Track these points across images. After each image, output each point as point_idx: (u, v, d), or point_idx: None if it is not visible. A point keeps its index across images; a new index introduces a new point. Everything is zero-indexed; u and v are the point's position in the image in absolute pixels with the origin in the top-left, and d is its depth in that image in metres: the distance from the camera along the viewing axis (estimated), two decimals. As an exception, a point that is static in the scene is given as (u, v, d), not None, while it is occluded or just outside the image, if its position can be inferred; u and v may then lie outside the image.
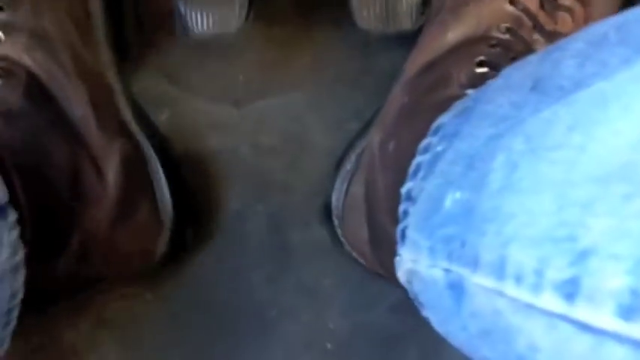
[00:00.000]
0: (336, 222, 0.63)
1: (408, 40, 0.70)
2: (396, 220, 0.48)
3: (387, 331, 0.70)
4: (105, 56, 0.62)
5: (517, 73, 0.41)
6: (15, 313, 0.51)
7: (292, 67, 0.73)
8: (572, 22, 0.53)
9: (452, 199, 0.38)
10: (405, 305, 0.55)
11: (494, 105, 0.40)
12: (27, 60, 0.56)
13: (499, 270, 0.32)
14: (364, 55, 0.73)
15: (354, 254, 0.64)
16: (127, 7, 0.71)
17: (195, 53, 0.72)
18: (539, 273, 0.30)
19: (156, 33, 0.72)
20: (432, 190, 0.42)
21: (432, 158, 0.44)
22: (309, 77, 0.73)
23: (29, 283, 0.51)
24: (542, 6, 0.53)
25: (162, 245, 0.64)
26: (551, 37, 0.53)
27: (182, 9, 0.61)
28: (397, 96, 0.58)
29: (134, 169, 0.61)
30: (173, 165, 0.66)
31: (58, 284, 0.59)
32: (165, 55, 0.73)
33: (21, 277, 0.50)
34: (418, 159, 0.46)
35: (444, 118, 0.46)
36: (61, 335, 0.69)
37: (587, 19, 0.54)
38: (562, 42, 0.38)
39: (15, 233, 0.48)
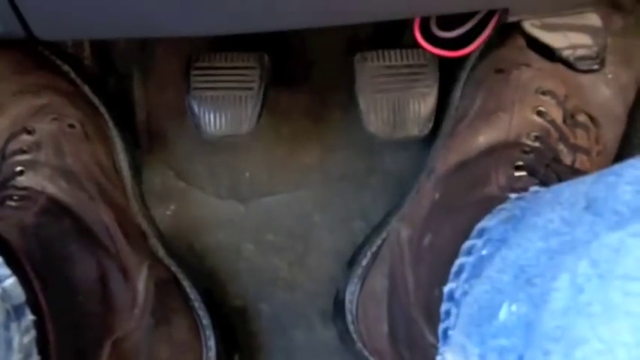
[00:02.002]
0: (349, 317, 0.62)
1: (414, 142, 0.72)
2: (429, 315, 0.50)
3: None
4: (133, 200, 0.65)
5: (568, 190, 0.42)
6: None
7: (299, 165, 0.74)
8: (588, 139, 0.56)
9: (507, 311, 0.39)
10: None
11: (545, 219, 0.41)
12: (50, 187, 0.57)
13: None
14: (370, 155, 0.74)
15: (366, 352, 0.63)
16: (139, 100, 0.72)
17: (203, 149, 0.73)
18: None
19: (164, 128, 0.73)
20: (479, 296, 0.42)
21: (476, 261, 0.45)
22: (316, 175, 0.74)
23: None
24: (564, 120, 0.57)
25: None
26: (574, 149, 0.56)
27: (195, 109, 0.62)
28: (428, 192, 0.59)
29: (166, 287, 0.61)
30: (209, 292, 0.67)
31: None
32: (172, 149, 0.73)
33: None
34: (461, 260, 0.47)
35: (488, 222, 0.47)
36: None
37: (599, 138, 0.57)
38: (616, 167, 0.39)
39: (29, 337, 0.47)
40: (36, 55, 0.65)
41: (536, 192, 0.47)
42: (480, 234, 0.47)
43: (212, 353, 0.63)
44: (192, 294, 0.63)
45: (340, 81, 0.74)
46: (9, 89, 0.62)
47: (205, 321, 0.63)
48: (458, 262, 0.47)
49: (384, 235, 0.62)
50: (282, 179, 0.73)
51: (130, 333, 0.58)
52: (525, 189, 0.49)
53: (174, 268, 0.64)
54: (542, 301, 0.36)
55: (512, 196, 0.48)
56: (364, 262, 0.62)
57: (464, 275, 0.46)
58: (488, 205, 0.49)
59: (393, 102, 0.62)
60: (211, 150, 0.73)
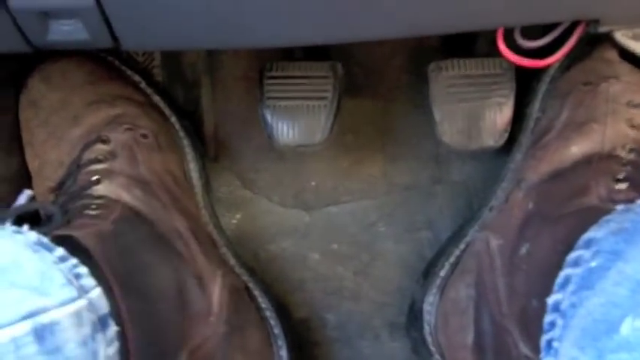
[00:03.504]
0: (427, 328, 0.62)
1: (482, 152, 0.71)
2: (524, 326, 0.49)
3: None
4: (203, 209, 0.65)
5: None
6: None
7: (364, 174, 0.73)
8: None
9: (630, 326, 0.39)
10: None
11: None
12: (125, 196, 0.58)
13: None
14: (436, 165, 0.73)
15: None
16: (207, 109, 0.72)
17: (269, 157, 0.73)
18: None
19: (231, 137, 0.73)
20: (593, 309, 0.42)
21: (584, 273, 0.45)
22: (381, 185, 0.73)
23: None
24: None
25: None
26: None
27: (269, 118, 0.62)
28: (519, 202, 0.59)
29: (239, 295, 0.61)
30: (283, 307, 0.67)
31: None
32: (239, 158, 0.73)
33: None
34: (567, 271, 0.47)
35: (595, 233, 0.47)
36: None
37: None
38: None
39: (113, 349, 0.47)
40: (107, 66, 0.66)
41: None
42: (587, 245, 0.46)
43: None
44: (264, 303, 0.63)
45: (405, 90, 0.73)
46: (84, 99, 0.63)
47: (277, 330, 0.63)
48: (563, 273, 0.47)
49: (462, 245, 0.62)
50: (347, 188, 0.73)
51: (205, 341, 0.58)
52: (627, 201, 0.49)
53: (245, 277, 0.64)
54: None
55: (619, 207, 0.48)
56: (442, 273, 0.62)
57: (571, 287, 0.45)
58: (588, 215, 0.48)
59: (469, 112, 0.61)
60: (277, 159, 0.73)
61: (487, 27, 0.51)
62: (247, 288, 0.64)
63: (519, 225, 0.57)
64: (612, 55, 0.60)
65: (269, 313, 0.63)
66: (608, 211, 0.48)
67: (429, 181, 0.73)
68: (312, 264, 0.72)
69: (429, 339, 0.62)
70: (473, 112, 0.61)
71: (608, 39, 0.59)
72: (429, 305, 0.62)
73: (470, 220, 0.64)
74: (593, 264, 0.44)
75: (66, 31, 0.49)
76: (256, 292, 0.63)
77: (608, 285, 0.42)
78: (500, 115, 0.61)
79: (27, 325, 0.40)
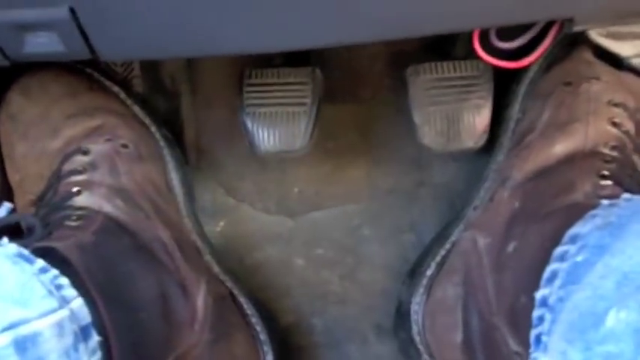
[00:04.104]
0: (415, 328, 0.62)
1: (463, 154, 0.72)
2: (513, 322, 0.50)
3: None
4: (186, 217, 0.65)
5: None
6: None
7: (347, 179, 0.74)
8: None
9: (615, 317, 0.39)
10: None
11: None
12: (106, 207, 0.58)
13: None
14: (418, 168, 0.74)
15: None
16: (187, 118, 0.72)
17: (251, 165, 0.73)
18: None
19: (213, 145, 0.73)
20: (580, 302, 0.43)
21: (570, 268, 0.45)
22: (364, 189, 0.74)
23: None
24: (637, 132, 0.58)
25: None
26: None
27: (249, 125, 0.62)
28: (505, 200, 0.59)
29: (224, 302, 0.61)
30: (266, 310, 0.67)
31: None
32: (221, 166, 0.73)
33: None
34: (554, 266, 0.47)
35: (581, 229, 0.47)
36: None
37: None
38: None
39: (96, 359, 0.47)
40: (86, 78, 0.66)
41: (630, 199, 0.47)
42: (573, 240, 0.47)
43: None
44: (249, 309, 0.63)
45: (386, 94, 0.74)
46: (63, 112, 0.63)
47: (263, 336, 0.63)
48: (550, 268, 0.47)
49: (447, 245, 0.62)
50: (330, 194, 0.73)
51: (190, 349, 0.58)
52: (612, 197, 0.50)
53: (229, 284, 0.64)
54: None
55: (604, 202, 0.49)
56: (428, 273, 0.62)
57: (558, 281, 0.46)
58: (575, 211, 0.49)
59: (447, 114, 0.62)
60: (260, 166, 0.73)
61: (462, 29, 0.52)
62: (232, 295, 0.64)
63: (506, 223, 0.58)
64: (591, 56, 0.61)
65: (254, 320, 0.63)
66: (593, 207, 0.49)
67: (412, 184, 0.74)
68: (297, 269, 0.72)
69: (417, 339, 0.62)
70: (452, 115, 0.62)
71: (586, 40, 0.59)
72: (417, 305, 0.62)
73: (454, 220, 0.64)
74: (579, 258, 0.45)
75: (42, 44, 0.49)
76: (241, 299, 0.63)
77: (594, 278, 0.42)
78: (479, 116, 0.61)
79: (8, 337, 0.40)
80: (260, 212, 0.73)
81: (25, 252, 0.47)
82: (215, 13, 0.47)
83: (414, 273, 0.65)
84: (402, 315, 0.64)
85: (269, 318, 0.66)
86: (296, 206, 0.73)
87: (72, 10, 0.45)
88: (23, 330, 0.40)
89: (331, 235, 0.73)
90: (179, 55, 0.63)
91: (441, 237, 0.64)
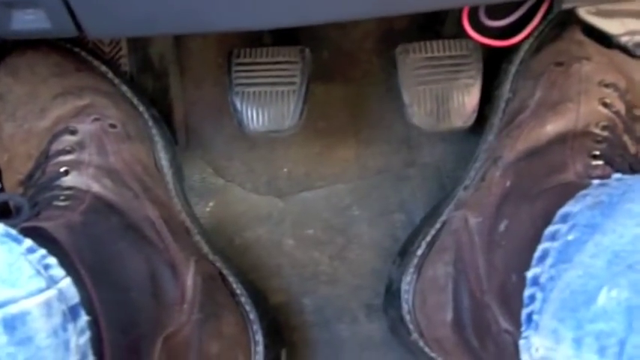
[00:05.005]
0: (405, 307, 0.62)
1: (452, 134, 0.72)
2: (504, 301, 0.50)
3: None
4: (175, 197, 0.65)
5: None
6: None
7: (336, 159, 0.74)
8: None
9: (606, 296, 0.40)
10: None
11: None
12: (95, 186, 0.58)
13: None
14: (408, 148, 0.74)
15: (422, 342, 0.63)
16: (176, 97, 0.72)
17: (241, 145, 0.73)
18: None
19: (202, 124, 0.73)
20: (571, 281, 0.43)
21: (562, 247, 0.46)
22: (354, 169, 0.73)
23: None
24: (627, 112, 0.58)
25: None
26: (638, 141, 0.57)
27: (238, 105, 0.62)
28: (496, 180, 0.60)
29: (213, 281, 0.61)
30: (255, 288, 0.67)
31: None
32: (210, 146, 0.73)
33: None
34: (545, 245, 0.47)
35: (572, 208, 0.47)
36: None
37: None
38: None
39: (84, 338, 0.47)
40: (74, 57, 0.65)
41: (621, 179, 0.47)
42: (564, 219, 0.47)
43: (260, 347, 0.63)
44: (239, 289, 0.63)
45: (376, 73, 0.74)
46: (51, 92, 0.62)
47: (252, 316, 0.63)
48: (541, 247, 0.47)
49: (437, 225, 0.62)
50: (319, 174, 0.73)
51: (180, 328, 0.58)
52: (603, 177, 0.50)
53: (219, 263, 0.64)
54: None
55: (595, 182, 0.49)
56: (419, 252, 0.62)
57: (549, 260, 0.46)
58: (566, 190, 0.49)
59: (437, 94, 0.61)
60: (249, 146, 0.73)
61: (452, 5, 0.51)
62: (221, 274, 0.64)
63: (497, 202, 0.58)
64: (582, 35, 0.61)
65: (244, 299, 0.63)
66: (584, 187, 0.49)
67: (401, 164, 0.74)
68: (287, 250, 0.72)
69: (407, 318, 0.62)
70: (441, 94, 0.61)
71: (577, 20, 0.59)
72: (407, 284, 0.62)
73: (444, 199, 0.64)
74: (571, 237, 0.45)
75: (29, 21, 0.49)
76: (230, 279, 0.63)
77: (585, 257, 0.43)
78: (468, 96, 0.61)
79: None
80: (250, 192, 0.73)
81: (13, 232, 0.47)
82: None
83: (404, 252, 0.65)
84: (392, 294, 0.64)
85: (259, 298, 0.66)
86: (285, 186, 0.73)
87: (58, -13, 0.45)
88: (12, 309, 0.40)
89: (321, 215, 0.73)
90: (166, 32, 0.63)
91: (431, 216, 0.64)
